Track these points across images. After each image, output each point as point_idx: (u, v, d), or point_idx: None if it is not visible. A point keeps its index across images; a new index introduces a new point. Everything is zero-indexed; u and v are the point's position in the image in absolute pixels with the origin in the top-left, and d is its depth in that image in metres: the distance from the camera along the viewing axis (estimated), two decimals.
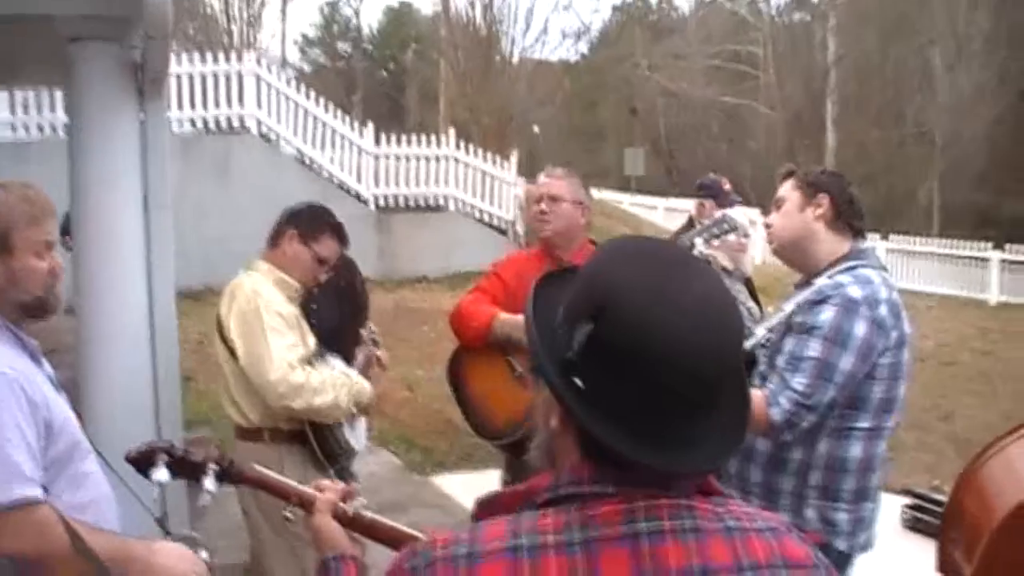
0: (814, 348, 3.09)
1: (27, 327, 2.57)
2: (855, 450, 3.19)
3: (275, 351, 3.92)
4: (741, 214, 5.73)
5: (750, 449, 3.30)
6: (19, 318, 2.53)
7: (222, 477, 2.03)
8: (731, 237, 4.27)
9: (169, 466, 1.98)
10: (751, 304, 5.69)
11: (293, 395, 3.92)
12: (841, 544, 3.22)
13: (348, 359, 4.60)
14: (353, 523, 1.99)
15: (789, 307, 3.28)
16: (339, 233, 4.29)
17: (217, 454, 2.05)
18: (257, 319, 3.96)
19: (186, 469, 2.02)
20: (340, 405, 4.09)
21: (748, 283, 5.93)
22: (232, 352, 4.04)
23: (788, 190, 3.44)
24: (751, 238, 6.04)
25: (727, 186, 6.56)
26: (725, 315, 1.37)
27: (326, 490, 2.04)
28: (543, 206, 4.47)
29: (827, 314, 3.11)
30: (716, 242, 4.18)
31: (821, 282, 3.23)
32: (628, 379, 1.32)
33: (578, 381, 1.34)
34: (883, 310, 3.13)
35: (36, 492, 2.27)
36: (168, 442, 2.00)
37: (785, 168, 3.59)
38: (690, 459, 1.35)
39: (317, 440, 4.12)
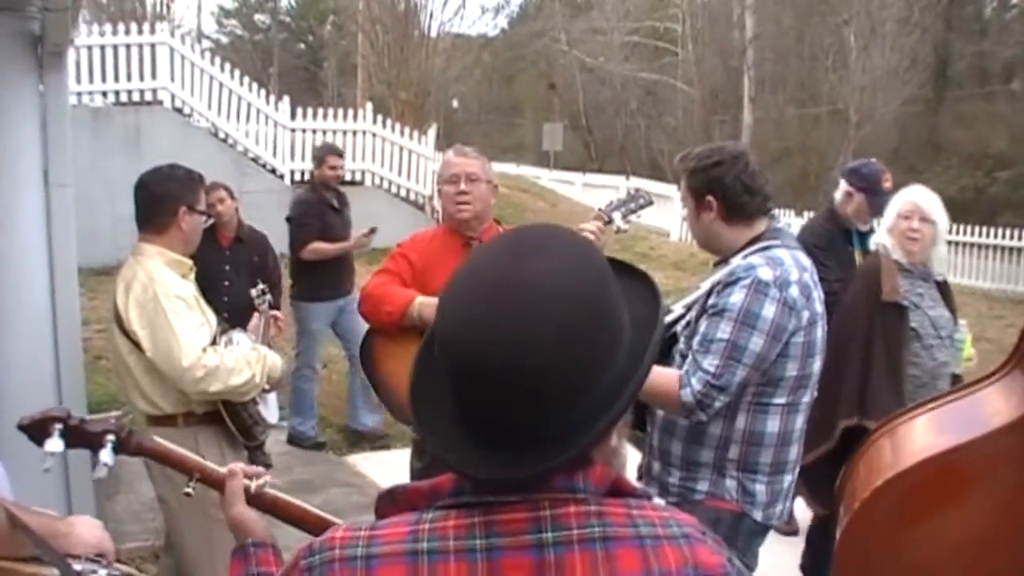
0: (724, 330, 3.15)
1: None
2: (772, 425, 3.25)
3: (183, 337, 3.79)
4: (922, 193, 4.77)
5: (672, 423, 3.36)
6: None
7: (120, 448, 1.96)
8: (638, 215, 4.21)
9: (64, 435, 1.91)
10: (937, 312, 4.67)
11: (210, 379, 3.81)
12: (757, 515, 3.30)
13: None
14: (256, 501, 1.96)
15: (706, 286, 3.32)
16: (201, 180, 4.19)
17: (116, 425, 1.98)
18: (158, 307, 3.83)
19: (82, 439, 1.95)
20: (256, 382, 3.98)
21: (942, 286, 4.79)
22: (136, 344, 3.89)
23: (684, 193, 3.48)
24: (937, 226, 4.70)
25: (888, 183, 5.33)
26: (537, 307, 1.23)
27: (235, 475, 1.98)
28: (463, 186, 4.38)
29: (737, 296, 3.16)
30: (633, 217, 4.19)
31: (735, 262, 3.28)
32: (444, 377, 1.31)
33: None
34: (794, 291, 3.17)
35: None
36: (65, 410, 1.93)
37: (678, 159, 3.55)
38: (521, 463, 1.26)
39: (231, 418, 4.03)
